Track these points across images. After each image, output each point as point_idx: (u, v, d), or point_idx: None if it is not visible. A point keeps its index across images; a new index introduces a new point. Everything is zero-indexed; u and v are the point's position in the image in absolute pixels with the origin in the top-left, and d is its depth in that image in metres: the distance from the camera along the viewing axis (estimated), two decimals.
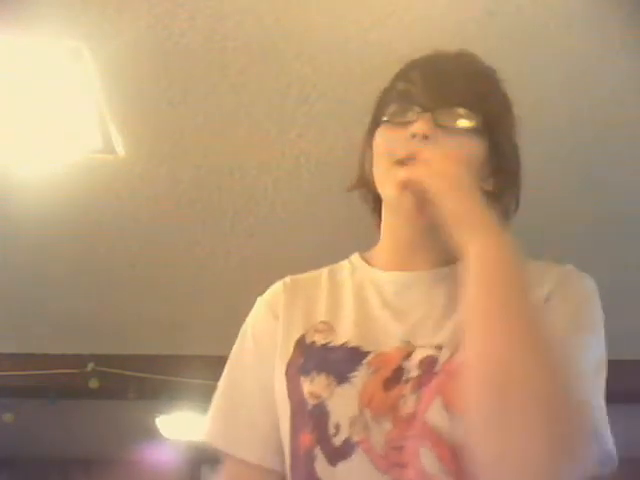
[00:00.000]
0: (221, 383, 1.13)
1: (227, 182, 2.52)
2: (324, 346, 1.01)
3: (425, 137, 0.97)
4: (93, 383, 3.72)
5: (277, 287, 1.12)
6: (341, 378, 0.96)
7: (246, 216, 2.71)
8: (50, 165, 2.40)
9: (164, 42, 1.94)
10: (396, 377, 0.94)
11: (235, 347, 1.11)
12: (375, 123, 1.07)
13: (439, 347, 0.95)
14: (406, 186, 0.96)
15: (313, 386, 0.96)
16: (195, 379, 3.65)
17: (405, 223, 1.03)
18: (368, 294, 1.05)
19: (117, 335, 3.60)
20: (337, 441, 0.92)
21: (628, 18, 1.81)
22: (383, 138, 1.04)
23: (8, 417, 4.45)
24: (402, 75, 1.06)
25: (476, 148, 1.01)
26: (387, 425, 0.92)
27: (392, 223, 1.07)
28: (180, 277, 3.10)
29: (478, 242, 0.90)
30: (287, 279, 1.13)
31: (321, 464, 0.93)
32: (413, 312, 1.00)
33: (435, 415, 0.91)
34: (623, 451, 0.93)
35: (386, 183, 1.01)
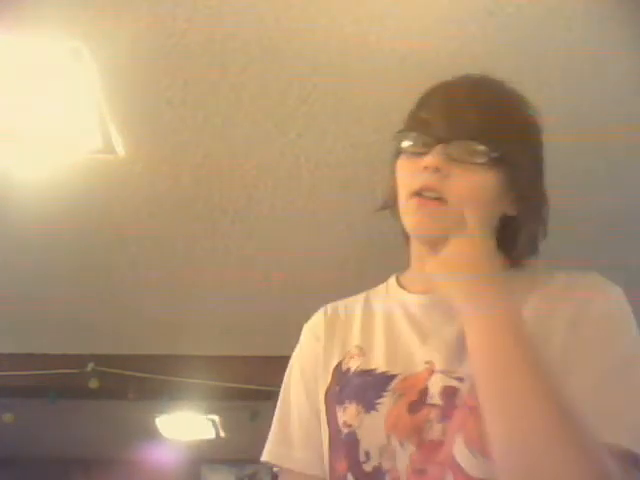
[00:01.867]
0: (276, 411, 1.17)
1: (227, 182, 2.52)
2: (356, 373, 1.05)
3: (437, 170, 0.99)
4: (93, 383, 3.72)
5: (319, 316, 1.18)
6: (369, 406, 1.00)
7: (246, 216, 2.71)
8: (50, 165, 2.40)
9: (164, 42, 1.94)
10: (421, 400, 0.97)
11: (286, 375, 1.17)
12: (397, 150, 1.09)
13: (460, 379, 0.96)
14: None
15: (345, 415, 1.01)
16: (195, 379, 3.65)
17: (430, 252, 1.03)
18: (396, 317, 1.08)
19: (117, 335, 3.60)
20: (367, 467, 0.97)
21: (628, 18, 1.81)
22: (401, 169, 1.06)
23: (8, 417, 4.45)
24: (423, 102, 1.08)
25: (490, 181, 1.01)
26: (411, 448, 0.95)
27: (419, 249, 1.09)
28: (180, 277, 3.10)
29: (481, 318, 0.91)
30: (328, 307, 1.19)
31: None
32: (436, 334, 1.02)
33: (459, 451, 0.93)
34: None
35: (405, 217, 1.04)
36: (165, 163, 2.45)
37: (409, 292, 1.11)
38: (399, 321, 1.07)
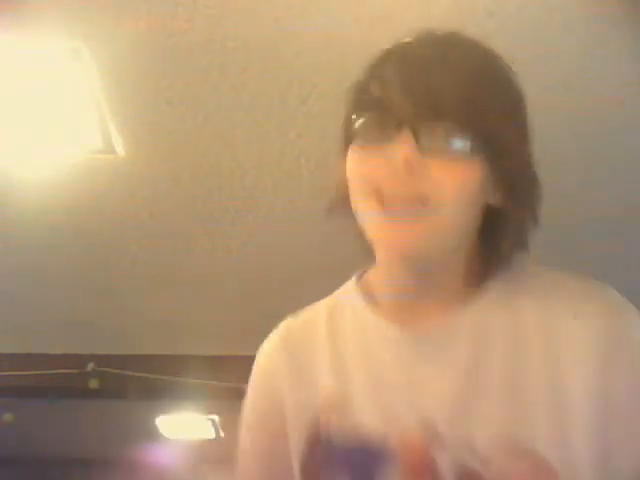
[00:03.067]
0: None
1: (227, 182, 2.52)
2: (340, 435, 0.84)
3: (410, 169, 0.77)
4: (93, 383, 3.72)
5: (274, 346, 0.95)
6: None
7: (246, 216, 2.71)
8: (50, 165, 2.40)
9: (164, 42, 1.94)
10: (430, 474, 0.79)
11: (241, 431, 0.98)
12: (347, 138, 0.85)
13: (472, 448, 0.78)
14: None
15: None
16: (195, 379, 3.65)
17: (409, 268, 0.85)
18: (376, 351, 0.87)
19: (117, 335, 3.60)
20: None
21: (628, 18, 1.81)
22: (356, 164, 0.83)
23: (8, 417, 4.45)
24: (376, 71, 0.84)
25: (471, 172, 0.79)
26: None
27: (393, 267, 0.87)
28: (180, 277, 3.10)
29: None
30: (283, 331, 0.96)
31: None
32: (430, 379, 0.83)
33: None
34: None
35: (369, 224, 0.83)
36: (165, 163, 2.45)
37: (383, 317, 0.88)
38: (380, 356, 0.86)
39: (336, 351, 0.89)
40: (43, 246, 2.85)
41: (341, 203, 0.88)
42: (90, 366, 3.71)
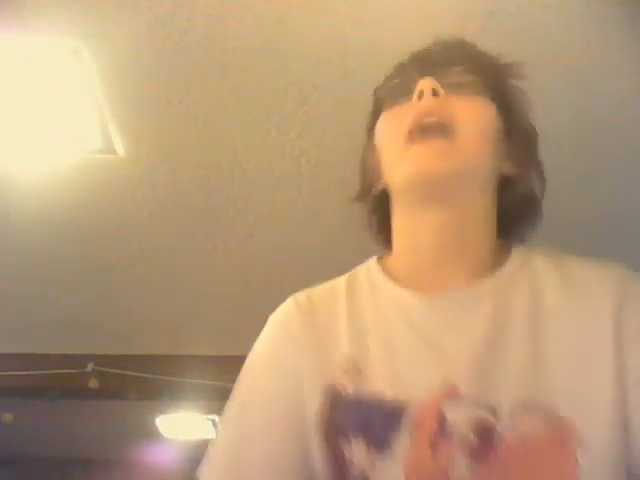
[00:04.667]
0: (221, 439, 0.91)
1: (227, 182, 2.52)
2: (355, 397, 0.84)
3: (435, 93, 0.86)
4: (93, 383, 3.72)
5: (289, 309, 0.95)
6: (380, 444, 0.81)
7: (246, 216, 2.71)
8: (50, 165, 2.40)
9: (164, 42, 1.94)
10: (441, 432, 0.79)
11: (241, 387, 0.93)
12: (375, 117, 0.95)
13: (493, 410, 0.79)
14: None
15: (352, 454, 0.82)
16: (195, 379, 3.65)
17: (430, 214, 0.87)
18: (393, 319, 0.88)
19: (117, 335, 3.60)
20: None
21: (628, 18, 1.81)
22: (387, 121, 0.91)
23: (8, 417, 4.45)
24: (395, 69, 0.97)
25: (488, 108, 0.88)
26: None
27: (409, 227, 0.90)
28: (180, 277, 3.10)
29: None
30: (301, 297, 0.96)
31: None
32: (449, 343, 0.84)
33: None
34: None
35: (401, 163, 0.87)
36: (165, 163, 2.45)
37: (401, 287, 0.90)
38: (397, 324, 0.87)
39: (354, 320, 0.90)
40: (43, 246, 2.85)
41: (367, 191, 0.96)
42: (90, 366, 3.71)
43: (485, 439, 0.78)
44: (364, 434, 0.82)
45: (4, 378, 3.69)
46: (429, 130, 0.84)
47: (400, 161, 0.87)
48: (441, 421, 0.79)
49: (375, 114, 0.95)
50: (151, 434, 5.04)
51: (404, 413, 0.81)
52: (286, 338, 0.92)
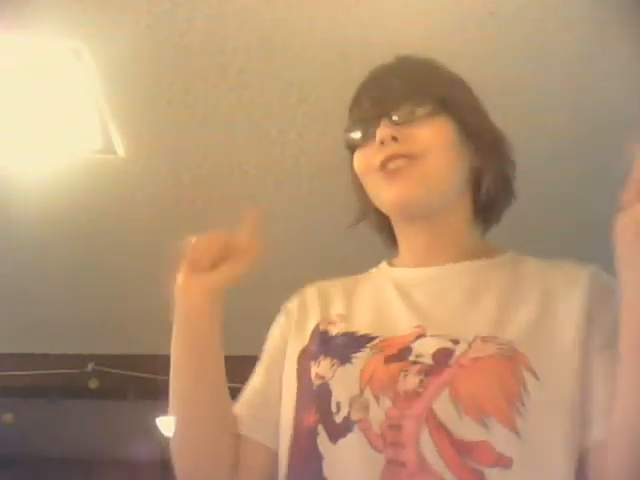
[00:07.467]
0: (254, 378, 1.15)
1: (227, 182, 2.52)
2: (337, 335, 1.02)
3: (394, 139, 0.99)
4: (93, 383, 3.72)
5: (301, 290, 1.16)
6: (344, 359, 0.97)
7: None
8: (50, 165, 2.40)
9: (164, 42, 1.94)
10: (401, 355, 0.94)
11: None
12: (350, 154, 1.09)
13: (455, 341, 0.94)
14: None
15: (319, 369, 0.99)
16: None
17: (418, 227, 1.05)
18: (386, 289, 1.06)
19: (117, 335, 3.60)
20: (338, 419, 0.94)
21: (628, 18, 1.81)
22: (358, 160, 1.05)
23: (8, 417, 4.45)
24: (355, 102, 1.09)
25: (443, 128, 1.01)
26: (386, 403, 0.91)
27: (404, 235, 1.09)
28: None
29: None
30: (312, 285, 1.16)
31: (323, 440, 0.94)
32: (429, 303, 1.01)
33: (441, 405, 0.89)
34: None
35: (379, 198, 1.04)
36: (165, 163, 2.45)
37: (399, 267, 1.10)
38: (388, 292, 1.06)
39: (352, 293, 1.09)
40: (43, 246, 2.85)
41: (363, 215, 1.12)
42: (90, 366, 3.72)
43: (441, 361, 0.92)
44: (333, 354, 0.99)
45: (4, 378, 3.69)
46: (398, 165, 1.00)
47: (380, 191, 1.03)
48: (403, 349, 0.95)
49: (350, 150, 1.08)
50: (151, 434, 5.04)
51: (372, 340, 0.98)
52: (289, 307, 1.15)
